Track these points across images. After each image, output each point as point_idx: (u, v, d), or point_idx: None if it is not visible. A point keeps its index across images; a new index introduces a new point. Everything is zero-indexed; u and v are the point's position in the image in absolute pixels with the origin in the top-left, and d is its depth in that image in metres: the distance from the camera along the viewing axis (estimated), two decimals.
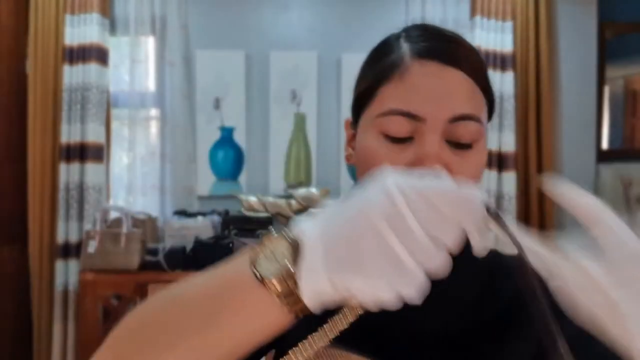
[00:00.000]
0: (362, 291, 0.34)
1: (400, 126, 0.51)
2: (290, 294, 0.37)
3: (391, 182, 0.35)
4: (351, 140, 0.63)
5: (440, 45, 0.53)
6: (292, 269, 0.37)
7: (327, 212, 0.38)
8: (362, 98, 0.57)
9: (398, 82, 0.52)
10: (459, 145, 0.52)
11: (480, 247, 0.36)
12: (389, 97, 0.53)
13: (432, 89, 0.51)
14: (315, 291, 0.36)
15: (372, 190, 0.36)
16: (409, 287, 0.33)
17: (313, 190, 2.76)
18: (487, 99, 0.56)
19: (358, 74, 0.62)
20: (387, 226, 0.33)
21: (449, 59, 0.52)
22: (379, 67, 0.56)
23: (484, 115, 0.55)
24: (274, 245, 0.39)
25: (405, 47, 0.54)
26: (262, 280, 0.37)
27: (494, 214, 0.37)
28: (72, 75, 2.66)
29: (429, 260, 0.33)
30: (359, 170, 0.58)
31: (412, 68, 0.52)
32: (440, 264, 0.34)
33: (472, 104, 0.53)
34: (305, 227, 0.38)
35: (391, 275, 0.33)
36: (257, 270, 0.38)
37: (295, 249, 0.37)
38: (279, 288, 0.37)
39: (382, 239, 0.33)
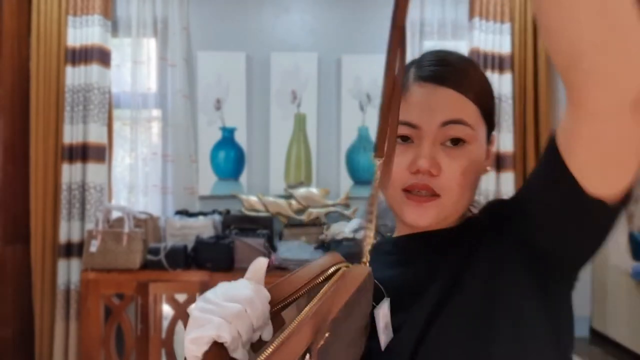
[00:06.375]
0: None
1: (403, 131, 0.68)
2: None
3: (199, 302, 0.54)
4: None
5: (434, 69, 0.69)
6: None
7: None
8: None
9: (405, 99, 0.69)
10: (450, 143, 0.67)
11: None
12: (401, 111, 0.68)
13: (424, 103, 0.68)
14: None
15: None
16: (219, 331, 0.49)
17: (313, 190, 2.78)
18: (484, 112, 0.69)
19: None
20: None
21: (439, 79, 0.68)
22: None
23: (476, 123, 0.68)
24: None
25: (412, 72, 0.71)
26: None
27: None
28: (75, 76, 2.68)
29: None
30: None
31: (412, 89, 0.69)
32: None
33: (460, 112, 0.67)
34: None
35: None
36: None
37: None
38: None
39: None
